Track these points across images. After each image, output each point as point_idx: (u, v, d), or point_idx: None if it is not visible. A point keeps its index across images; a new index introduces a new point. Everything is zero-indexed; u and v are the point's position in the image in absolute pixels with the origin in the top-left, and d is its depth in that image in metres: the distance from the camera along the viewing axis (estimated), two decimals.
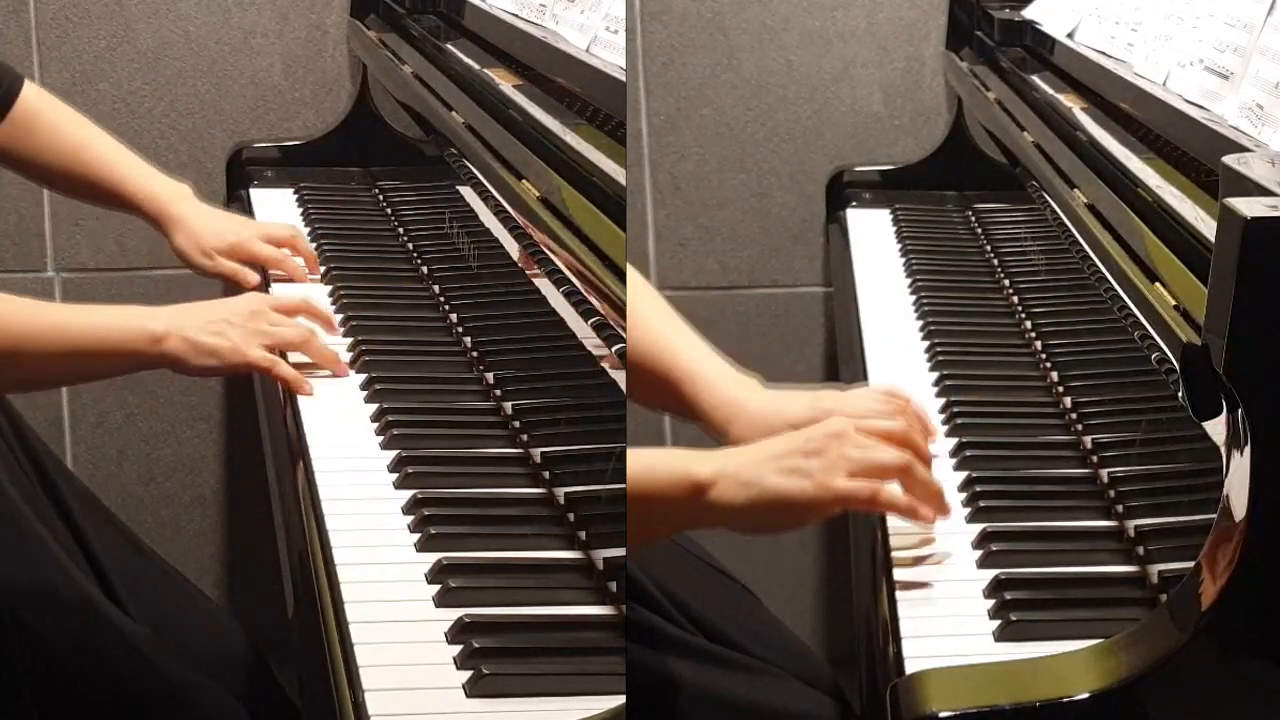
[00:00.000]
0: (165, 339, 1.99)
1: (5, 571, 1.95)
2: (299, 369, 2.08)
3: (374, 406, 2.03)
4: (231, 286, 2.46)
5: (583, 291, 1.79)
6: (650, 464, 1.65)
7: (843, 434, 1.67)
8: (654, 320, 1.91)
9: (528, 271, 2.02)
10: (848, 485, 1.65)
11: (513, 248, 2.09)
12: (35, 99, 2.43)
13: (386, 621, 1.59)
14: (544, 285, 1.93)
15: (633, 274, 1.96)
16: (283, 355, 2.08)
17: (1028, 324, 2.33)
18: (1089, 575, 1.69)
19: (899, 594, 1.66)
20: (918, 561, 1.72)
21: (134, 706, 1.97)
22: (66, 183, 2.49)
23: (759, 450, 1.68)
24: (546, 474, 1.88)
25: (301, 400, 2.04)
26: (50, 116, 2.43)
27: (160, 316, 2.01)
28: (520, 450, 1.95)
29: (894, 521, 1.76)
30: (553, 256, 1.89)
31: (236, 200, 2.91)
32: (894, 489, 1.69)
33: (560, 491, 1.83)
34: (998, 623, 1.58)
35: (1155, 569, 1.65)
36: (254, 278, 2.42)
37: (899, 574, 1.70)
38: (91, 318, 2.01)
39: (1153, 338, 1.67)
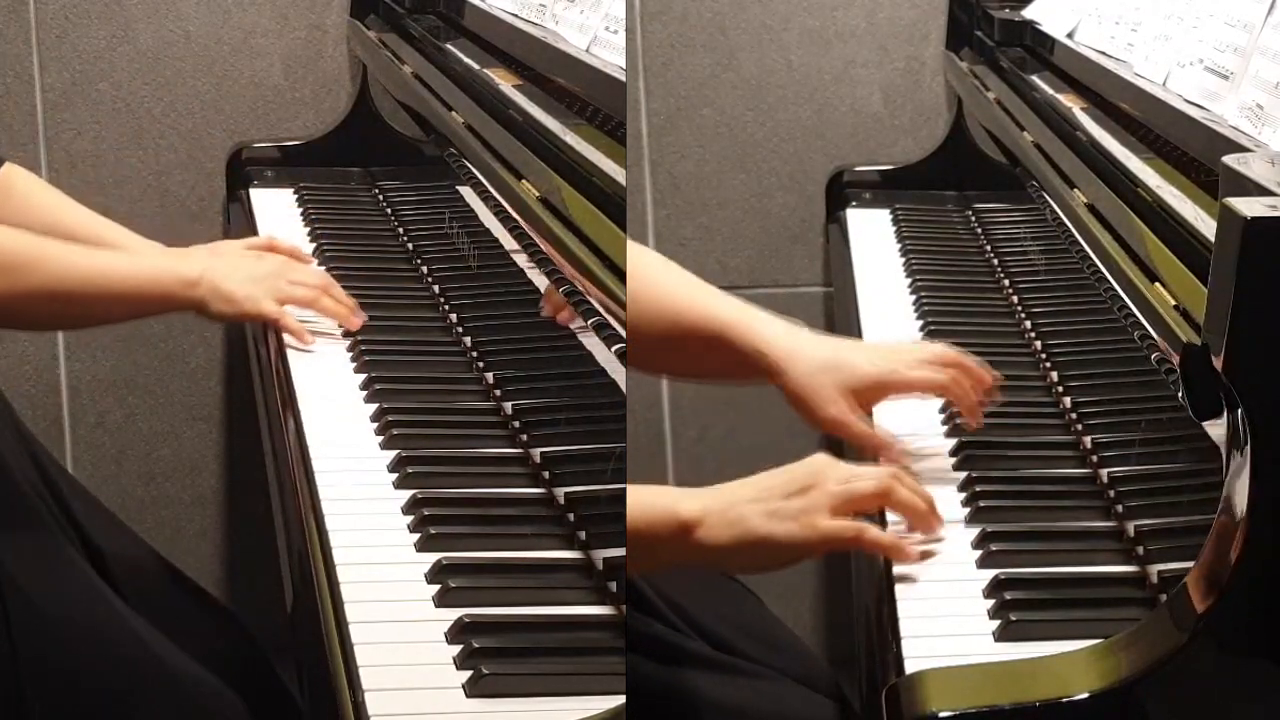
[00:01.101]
0: (198, 284, 2.14)
1: (7, 564, 1.95)
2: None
3: (374, 406, 2.03)
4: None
5: (583, 291, 1.79)
6: (637, 501, 1.65)
7: (821, 470, 1.68)
8: (684, 284, 1.91)
9: (526, 270, 2.02)
10: (832, 525, 1.66)
11: (513, 248, 2.09)
12: (14, 171, 2.44)
13: (386, 621, 1.59)
14: (544, 285, 1.93)
15: (643, 249, 1.96)
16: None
17: (1028, 324, 2.33)
18: (1089, 575, 1.69)
19: (899, 594, 1.66)
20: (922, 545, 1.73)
21: (136, 701, 1.97)
22: None
23: (744, 489, 1.68)
24: (546, 474, 1.87)
25: (302, 401, 2.05)
26: (25, 184, 2.44)
27: (194, 262, 2.18)
28: (520, 450, 1.95)
29: (894, 516, 1.76)
30: (553, 256, 1.89)
31: (236, 200, 2.91)
32: (877, 530, 1.70)
33: (560, 491, 1.83)
34: (998, 623, 1.58)
35: (1155, 569, 1.65)
36: None
37: (899, 572, 1.70)
38: (136, 264, 2.17)
39: (1153, 338, 1.67)
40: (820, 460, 1.71)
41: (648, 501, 1.67)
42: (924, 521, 1.73)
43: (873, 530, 1.70)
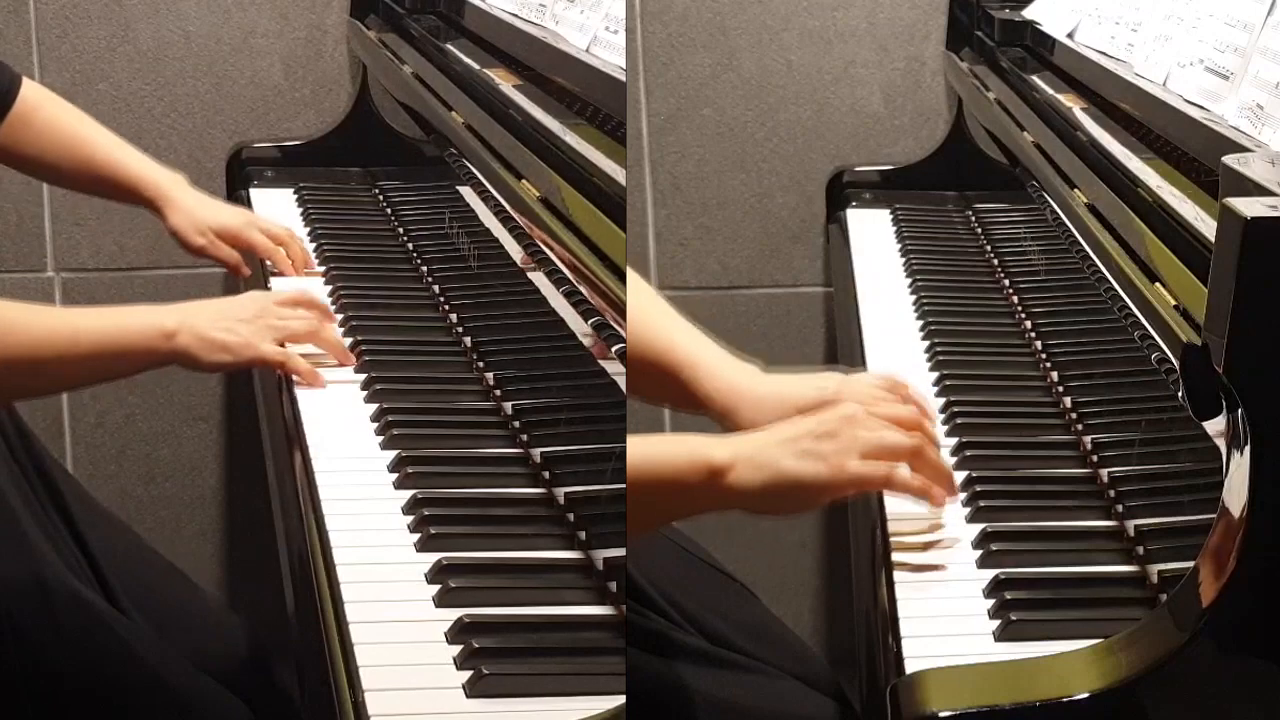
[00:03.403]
0: (178, 335, 2.00)
1: (2, 573, 1.95)
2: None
3: (374, 406, 2.03)
4: (229, 284, 2.46)
5: (583, 291, 1.79)
6: (665, 450, 1.67)
7: (854, 417, 1.70)
8: (648, 312, 1.92)
9: (526, 270, 2.02)
10: (862, 467, 1.67)
11: (513, 248, 2.09)
12: (34, 95, 2.44)
13: (386, 621, 1.59)
14: (544, 285, 1.93)
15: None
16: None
17: (1028, 324, 2.33)
18: (1089, 575, 1.69)
19: (899, 593, 1.66)
20: (927, 547, 1.73)
21: (131, 707, 1.97)
22: (66, 174, 2.49)
23: (773, 433, 1.70)
24: (546, 474, 1.87)
25: (301, 400, 2.04)
26: (48, 110, 2.45)
27: (171, 314, 2.02)
28: (520, 450, 1.95)
29: (893, 511, 1.76)
30: (553, 256, 1.89)
31: (236, 200, 2.91)
32: (906, 471, 1.71)
33: (560, 491, 1.83)
34: (998, 623, 1.58)
35: (1155, 569, 1.65)
36: (246, 270, 2.43)
37: (899, 571, 1.70)
38: (106, 320, 2.02)
39: (1153, 338, 1.67)
40: (851, 405, 1.73)
41: (677, 449, 1.67)
42: (946, 484, 1.75)
43: (903, 472, 1.71)
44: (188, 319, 2.01)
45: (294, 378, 2.07)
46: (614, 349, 1.69)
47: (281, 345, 2.07)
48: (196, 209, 2.45)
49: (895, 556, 1.72)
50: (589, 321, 1.76)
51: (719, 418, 1.87)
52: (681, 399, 1.89)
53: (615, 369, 1.69)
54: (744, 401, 1.85)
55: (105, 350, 1.99)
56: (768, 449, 1.67)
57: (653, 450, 1.65)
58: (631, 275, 1.96)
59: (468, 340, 2.23)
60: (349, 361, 2.13)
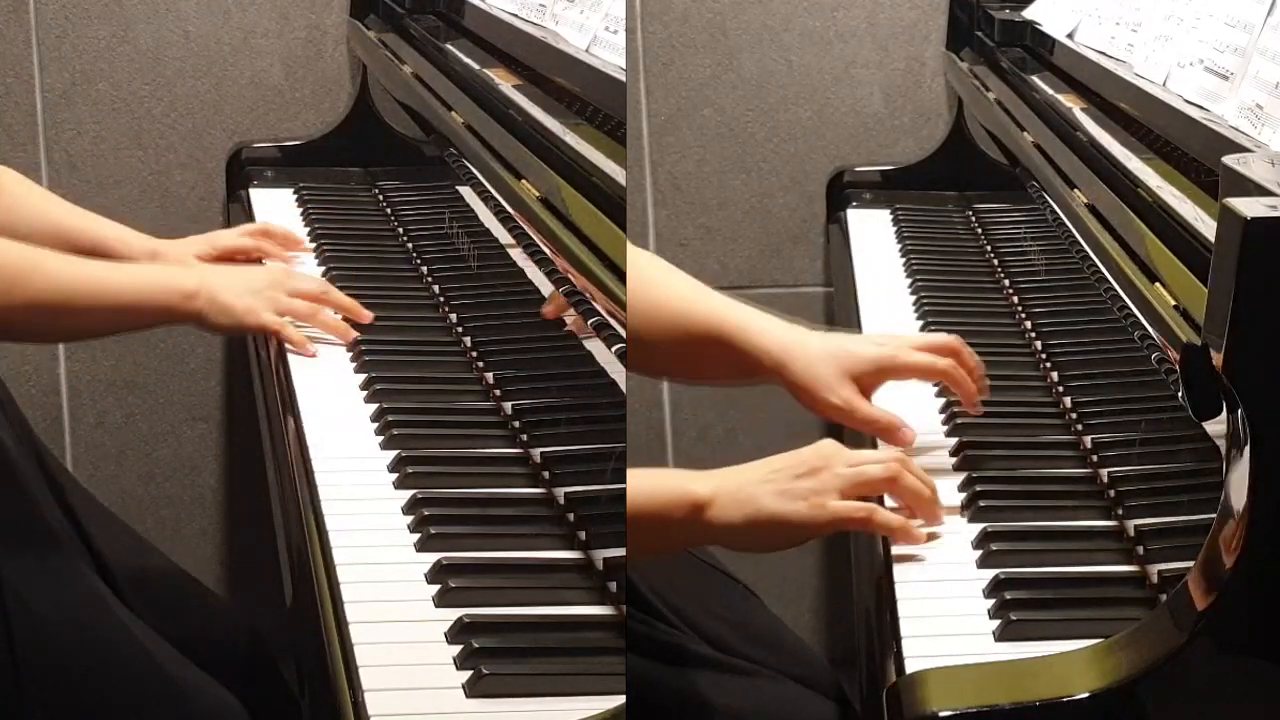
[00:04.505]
0: (197, 296, 2.11)
1: (9, 566, 1.95)
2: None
3: (374, 406, 2.03)
4: None
5: (583, 292, 1.79)
6: (649, 484, 1.68)
7: (832, 454, 1.71)
8: (685, 289, 1.95)
9: (526, 270, 2.02)
10: (841, 506, 1.69)
11: (513, 248, 2.09)
12: (2, 175, 2.43)
13: (386, 621, 1.59)
14: (544, 285, 1.93)
15: (642, 253, 1.98)
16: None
17: (1028, 324, 2.33)
18: (1089, 575, 1.69)
19: (899, 594, 1.66)
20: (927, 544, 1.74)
21: (135, 703, 1.97)
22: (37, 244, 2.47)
23: (754, 471, 1.71)
24: (546, 474, 1.87)
25: (302, 401, 2.05)
26: (17, 185, 2.44)
27: (192, 276, 2.16)
28: (520, 450, 1.95)
29: (893, 503, 1.77)
30: (553, 256, 1.89)
31: (236, 200, 2.91)
32: (886, 513, 1.72)
33: (560, 491, 1.83)
34: (998, 623, 1.58)
35: (1155, 569, 1.65)
36: None
37: (899, 570, 1.70)
38: (132, 277, 2.14)
39: (1153, 338, 1.67)
40: (829, 444, 1.75)
41: (659, 483, 1.69)
42: (928, 510, 1.75)
43: (882, 512, 1.72)
44: (206, 281, 2.14)
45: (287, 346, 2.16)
46: (614, 349, 1.69)
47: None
48: (178, 249, 2.46)
49: (895, 553, 1.72)
50: (589, 322, 1.76)
51: (772, 372, 1.89)
52: (733, 367, 1.92)
53: (615, 369, 1.69)
54: (797, 356, 1.89)
55: (128, 305, 2.10)
56: (748, 486, 1.69)
57: (637, 484, 1.66)
58: (656, 259, 1.98)
59: (468, 340, 2.23)
60: (349, 337, 2.20)
